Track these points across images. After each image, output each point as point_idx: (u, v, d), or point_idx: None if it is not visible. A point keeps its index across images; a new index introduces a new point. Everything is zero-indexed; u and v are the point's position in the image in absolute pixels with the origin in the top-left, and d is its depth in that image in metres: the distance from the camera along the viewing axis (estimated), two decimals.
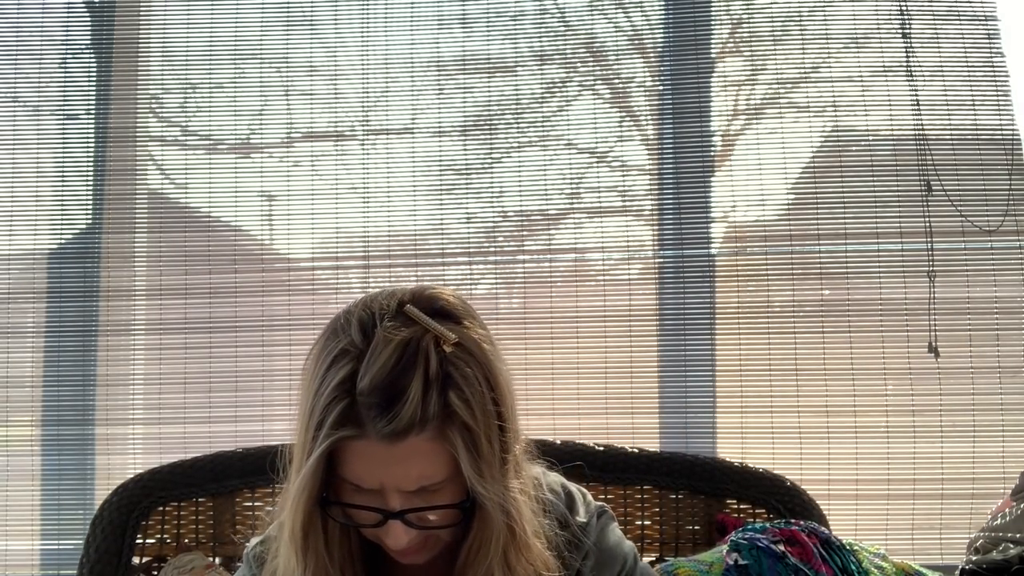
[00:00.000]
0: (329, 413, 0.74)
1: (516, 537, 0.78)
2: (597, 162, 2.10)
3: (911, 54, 2.01)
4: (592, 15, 2.12)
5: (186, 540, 1.56)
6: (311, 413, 0.76)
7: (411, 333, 0.75)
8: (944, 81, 2.00)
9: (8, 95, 2.15)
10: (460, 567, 0.80)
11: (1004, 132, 1.98)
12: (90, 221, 2.12)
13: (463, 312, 0.81)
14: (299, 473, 0.76)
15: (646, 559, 1.57)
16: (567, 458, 1.56)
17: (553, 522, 0.87)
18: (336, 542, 0.82)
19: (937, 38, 2.01)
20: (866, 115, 2.03)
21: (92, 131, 2.14)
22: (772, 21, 2.07)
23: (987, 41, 2.00)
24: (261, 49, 2.15)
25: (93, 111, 2.15)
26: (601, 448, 1.59)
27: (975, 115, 1.99)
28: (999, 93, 1.98)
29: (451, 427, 0.74)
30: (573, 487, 0.97)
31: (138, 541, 1.54)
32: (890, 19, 2.03)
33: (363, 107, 2.13)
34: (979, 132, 1.99)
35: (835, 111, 2.04)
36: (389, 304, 0.78)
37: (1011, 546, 1.54)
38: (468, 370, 0.75)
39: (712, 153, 2.05)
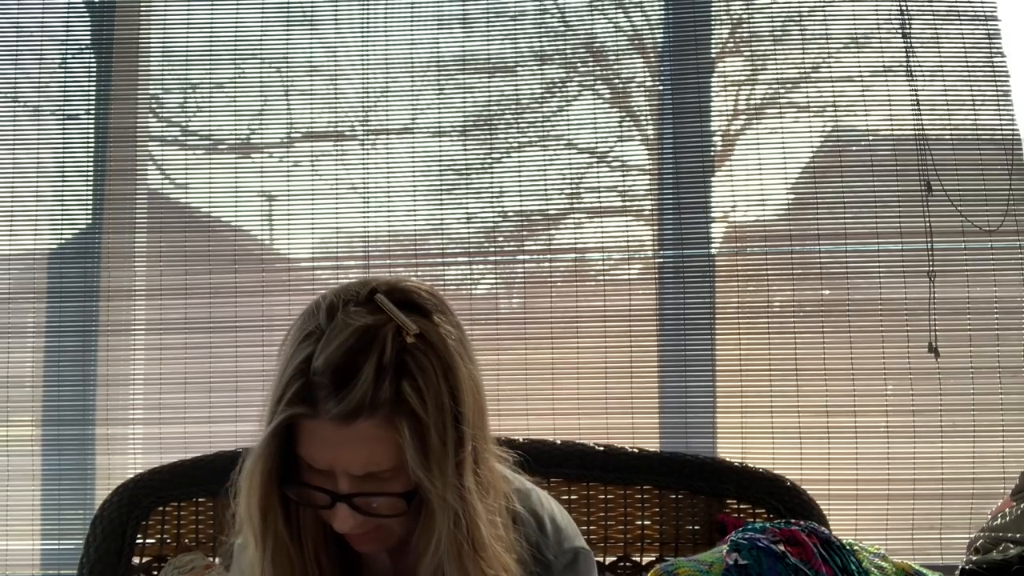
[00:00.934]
0: (288, 390, 0.75)
1: (466, 536, 0.76)
2: (597, 162, 2.10)
3: (911, 54, 2.01)
4: (592, 15, 2.12)
5: (186, 540, 1.56)
6: (275, 390, 0.78)
7: (373, 320, 0.76)
8: (944, 81, 2.00)
9: (8, 95, 2.15)
10: (413, 563, 0.80)
11: (1004, 132, 1.98)
12: (90, 221, 2.13)
13: (434, 307, 0.80)
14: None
15: (646, 559, 1.58)
16: (567, 458, 1.56)
17: (521, 539, 0.85)
18: (308, 526, 0.83)
19: (937, 38, 2.01)
20: (866, 115, 2.03)
21: (92, 131, 2.14)
22: (772, 21, 2.07)
23: (987, 41, 2.00)
24: (261, 49, 2.15)
25: (93, 111, 2.15)
26: (601, 448, 1.59)
27: (975, 115, 1.99)
28: (999, 93, 1.98)
29: (400, 416, 0.73)
30: (555, 517, 0.93)
31: (138, 541, 1.54)
32: (890, 19, 2.03)
33: (363, 107, 2.13)
34: (979, 132, 1.99)
35: (835, 111, 2.04)
36: (360, 291, 0.79)
37: (1011, 546, 1.54)
38: (426, 362, 0.75)
39: (712, 153, 2.05)
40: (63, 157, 2.13)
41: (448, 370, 0.76)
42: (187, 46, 2.15)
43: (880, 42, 2.04)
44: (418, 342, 0.75)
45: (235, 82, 2.15)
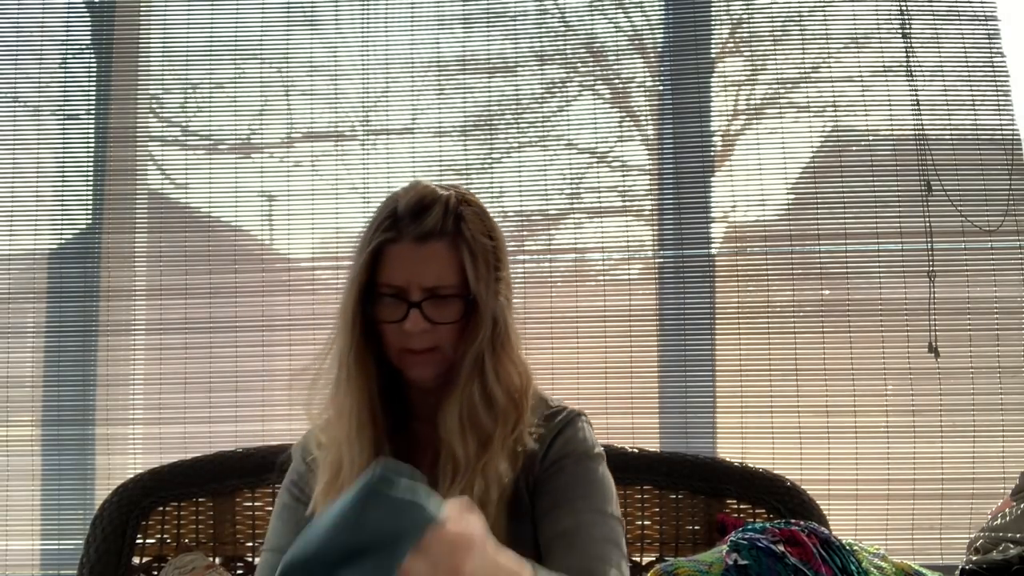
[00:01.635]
0: (379, 228, 1.04)
1: (500, 332, 1.06)
2: (597, 162, 2.10)
3: (911, 54, 2.01)
4: (592, 15, 2.13)
5: (186, 540, 1.56)
6: (365, 234, 1.05)
7: (438, 187, 1.08)
8: (944, 81, 2.00)
9: (8, 95, 2.15)
10: (459, 356, 1.05)
11: (1004, 132, 1.98)
12: (90, 221, 2.13)
13: (473, 194, 1.12)
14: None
15: (646, 559, 1.58)
16: None
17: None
18: (370, 371, 1.07)
19: (937, 38, 2.01)
20: (866, 115, 2.03)
21: (92, 131, 2.14)
22: (772, 21, 2.07)
23: (987, 41, 2.00)
24: (261, 49, 2.15)
25: (93, 111, 2.15)
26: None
27: (975, 115, 1.99)
28: (999, 93, 1.98)
29: (461, 242, 1.04)
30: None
31: (138, 541, 1.54)
32: (890, 19, 2.03)
33: (363, 107, 2.13)
34: (979, 132, 1.99)
35: (835, 111, 2.04)
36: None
37: (1011, 546, 1.54)
38: (473, 214, 1.07)
39: (712, 153, 2.05)
40: (63, 157, 2.13)
41: (487, 221, 1.09)
42: (187, 46, 2.15)
43: (880, 42, 2.04)
44: (466, 206, 1.07)
45: (235, 82, 2.15)
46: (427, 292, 1.02)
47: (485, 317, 1.04)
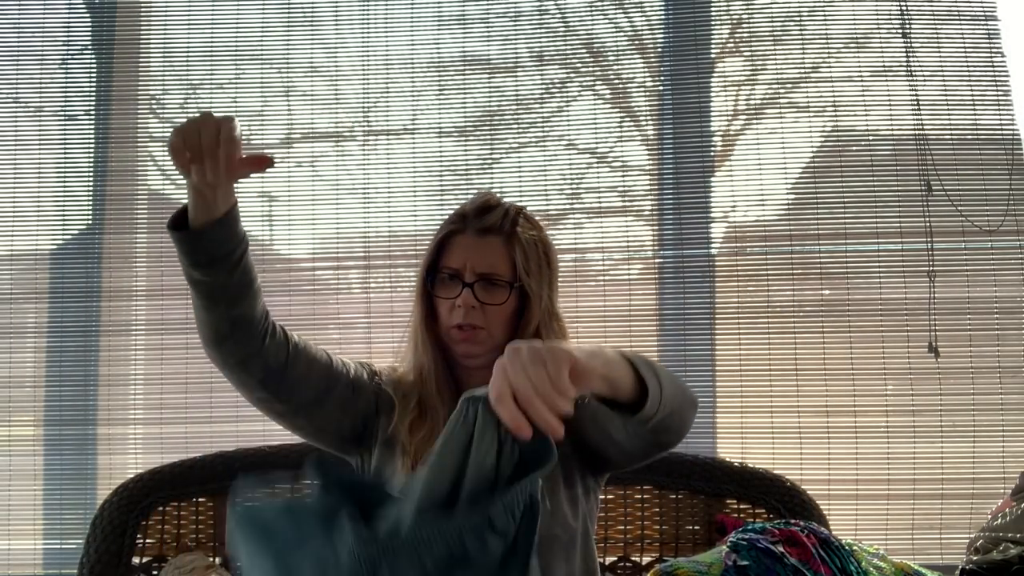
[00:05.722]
0: (446, 223, 1.24)
1: (554, 325, 1.25)
2: (597, 162, 2.10)
3: (911, 54, 2.00)
4: (592, 15, 2.12)
5: (186, 540, 1.56)
6: (437, 233, 1.24)
7: (502, 198, 1.28)
8: (944, 81, 2.00)
9: (9, 95, 2.15)
10: (520, 335, 1.21)
11: (1004, 132, 1.98)
12: (91, 221, 2.13)
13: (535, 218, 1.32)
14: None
15: (646, 559, 1.58)
16: None
17: None
18: (431, 342, 1.25)
19: (937, 38, 2.01)
20: (866, 115, 2.03)
21: (93, 131, 2.14)
22: (772, 21, 2.07)
23: (987, 41, 2.00)
24: (262, 49, 2.15)
25: (94, 111, 2.15)
26: None
27: (975, 115, 1.99)
28: (999, 93, 1.98)
29: (516, 241, 1.22)
30: None
31: (138, 541, 1.54)
32: (890, 19, 2.03)
33: (363, 107, 2.13)
34: (979, 132, 1.99)
35: (835, 111, 2.04)
36: None
37: (1011, 546, 1.54)
38: (528, 223, 1.26)
39: (712, 153, 2.05)
40: (64, 157, 2.14)
41: (541, 233, 1.27)
42: (188, 46, 2.15)
43: (880, 42, 2.03)
44: (525, 218, 1.26)
45: (236, 82, 2.15)
46: (479, 276, 1.20)
47: (537, 309, 1.22)
